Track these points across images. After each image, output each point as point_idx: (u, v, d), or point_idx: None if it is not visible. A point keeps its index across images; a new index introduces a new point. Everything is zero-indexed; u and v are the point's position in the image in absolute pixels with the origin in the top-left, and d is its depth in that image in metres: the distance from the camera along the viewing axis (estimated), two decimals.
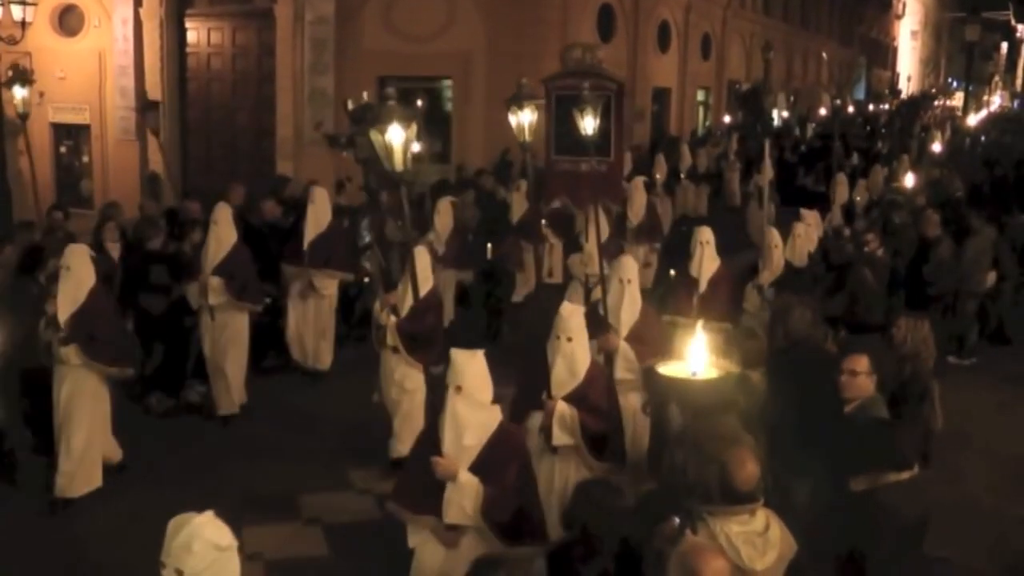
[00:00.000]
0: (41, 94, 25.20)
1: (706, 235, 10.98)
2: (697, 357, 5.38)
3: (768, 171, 20.31)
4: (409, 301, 9.35)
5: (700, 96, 35.12)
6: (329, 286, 12.53)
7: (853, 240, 13.52)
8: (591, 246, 11.42)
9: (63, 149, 26.57)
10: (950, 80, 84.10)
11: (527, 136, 10.74)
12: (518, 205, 16.02)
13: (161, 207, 15.37)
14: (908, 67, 77.07)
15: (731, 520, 5.15)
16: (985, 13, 55.26)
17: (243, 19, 24.74)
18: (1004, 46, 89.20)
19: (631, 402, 8.42)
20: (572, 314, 7.34)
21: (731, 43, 37.05)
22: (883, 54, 70.09)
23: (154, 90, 24.96)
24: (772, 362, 7.78)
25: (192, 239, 12.10)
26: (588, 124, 9.54)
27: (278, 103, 23.93)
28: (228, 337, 11.18)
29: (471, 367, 6.11)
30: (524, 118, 10.79)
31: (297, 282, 12.51)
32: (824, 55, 44.16)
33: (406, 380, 9.60)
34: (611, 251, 11.83)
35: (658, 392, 7.79)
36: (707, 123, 35.77)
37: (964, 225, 14.18)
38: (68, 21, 25.91)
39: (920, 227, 13.47)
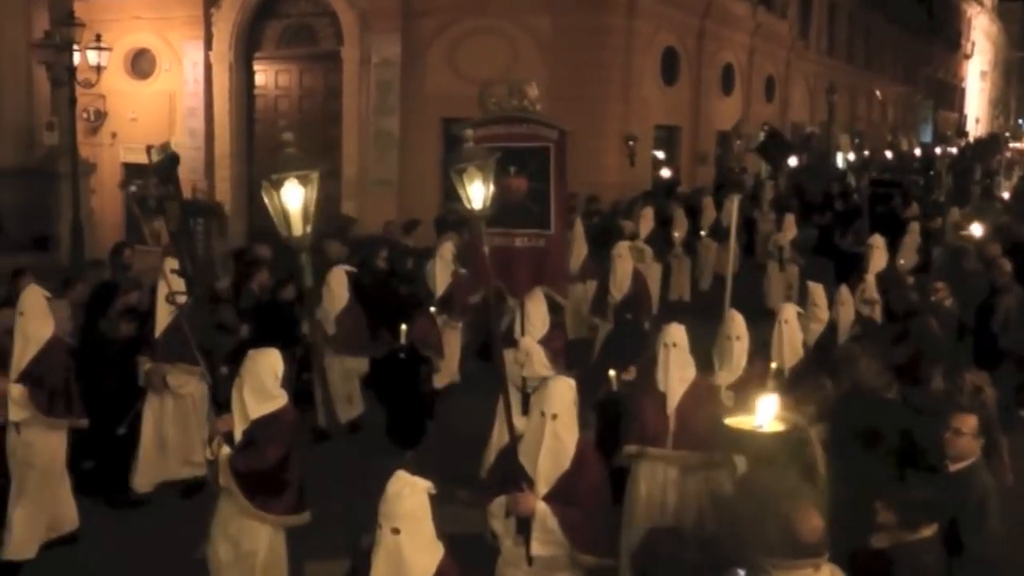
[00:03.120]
0: (113, 135, 25.98)
1: (674, 335, 7.73)
2: (765, 410, 5.36)
3: (791, 228, 18.66)
4: (243, 424, 6.95)
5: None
6: (186, 383, 9.97)
7: (918, 289, 13.34)
8: (528, 342, 9.16)
9: (133, 188, 27.03)
10: (1020, 122, 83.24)
11: (293, 228, 5.54)
12: (441, 274, 12.95)
13: (229, 246, 15.57)
14: (976, 109, 76.33)
15: (795, 573, 5.12)
16: None
17: (310, 62, 25.20)
18: None
19: None
20: (403, 492, 4.95)
21: (795, 85, 36.96)
22: (950, 95, 69.50)
23: (222, 131, 25.47)
24: (838, 412, 7.73)
25: (259, 279, 12.27)
26: (475, 193, 6.62)
27: (343, 144, 24.31)
28: (34, 463, 8.54)
29: None
30: (289, 197, 5.51)
31: (154, 379, 9.97)
32: (878, 93, 43.61)
33: (243, 536, 6.97)
34: (554, 347, 9.53)
35: (725, 443, 6.93)
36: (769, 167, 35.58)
37: None
38: (140, 65, 26.66)
39: (991, 275, 13.25)
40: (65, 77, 19.21)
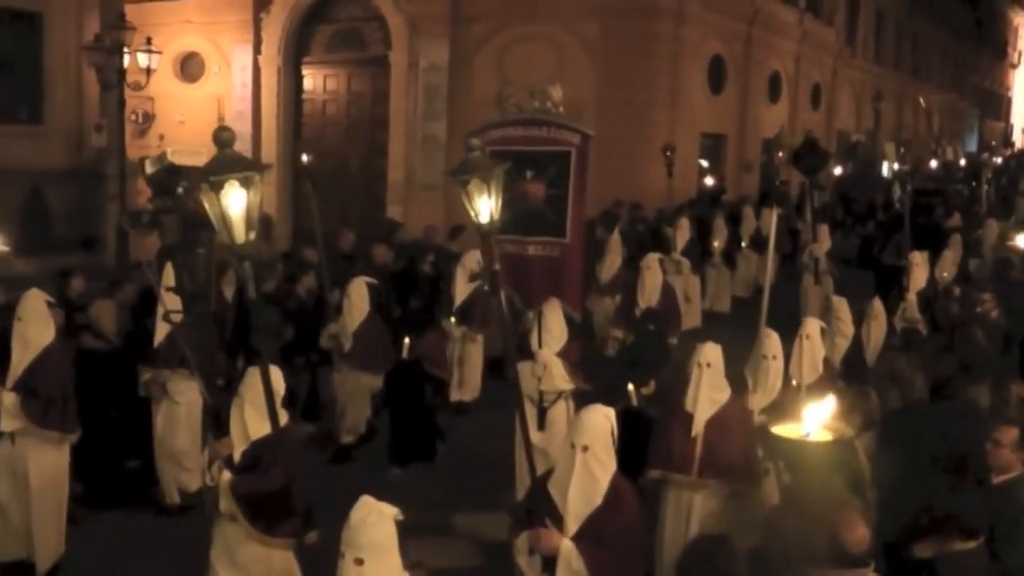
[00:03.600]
0: (161, 137, 26.27)
1: (709, 355, 7.38)
2: (812, 418, 5.31)
3: (824, 240, 17.91)
4: (243, 444, 6.43)
5: None
6: (186, 390, 9.43)
7: (962, 300, 13.14)
8: (546, 354, 8.80)
9: (180, 190, 27.26)
10: None
11: (235, 234, 5.11)
12: (462, 283, 12.56)
13: (274, 250, 15.66)
14: (1022, 118, 75.51)
15: None
16: None
17: (358, 66, 25.37)
18: None
19: None
20: (368, 520, 4.52)
21: (841, 93, 36.70)
22: (996, 104, 68.82)
23: (270, 135, 25.66)
24: (887, 423, 7.69)
25: (305, 283, 12.34)
26: (482, 206, 6.24)
27: (390, 148, 24.49)
28: (31, 474, 8.05)
29: None
30: (231, 201, 5.06)
31: (153, 388, 9.60)
32: (922, 101, 43.16)
33: (253, 565, 6.49)
34: (572, 359, 9.06)
35: (770, 451, 6.89)
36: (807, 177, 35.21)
37: None
38: (189, 68, 26.98)
39: None
40: (115, 80, 19.41)
